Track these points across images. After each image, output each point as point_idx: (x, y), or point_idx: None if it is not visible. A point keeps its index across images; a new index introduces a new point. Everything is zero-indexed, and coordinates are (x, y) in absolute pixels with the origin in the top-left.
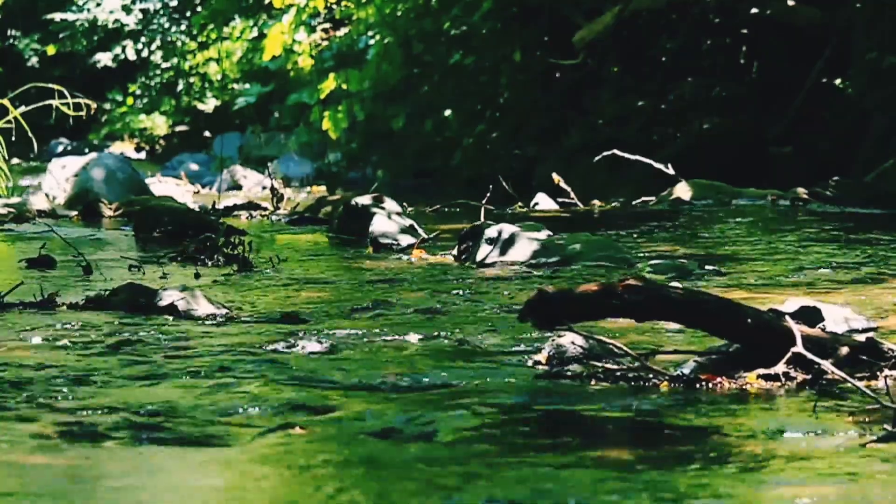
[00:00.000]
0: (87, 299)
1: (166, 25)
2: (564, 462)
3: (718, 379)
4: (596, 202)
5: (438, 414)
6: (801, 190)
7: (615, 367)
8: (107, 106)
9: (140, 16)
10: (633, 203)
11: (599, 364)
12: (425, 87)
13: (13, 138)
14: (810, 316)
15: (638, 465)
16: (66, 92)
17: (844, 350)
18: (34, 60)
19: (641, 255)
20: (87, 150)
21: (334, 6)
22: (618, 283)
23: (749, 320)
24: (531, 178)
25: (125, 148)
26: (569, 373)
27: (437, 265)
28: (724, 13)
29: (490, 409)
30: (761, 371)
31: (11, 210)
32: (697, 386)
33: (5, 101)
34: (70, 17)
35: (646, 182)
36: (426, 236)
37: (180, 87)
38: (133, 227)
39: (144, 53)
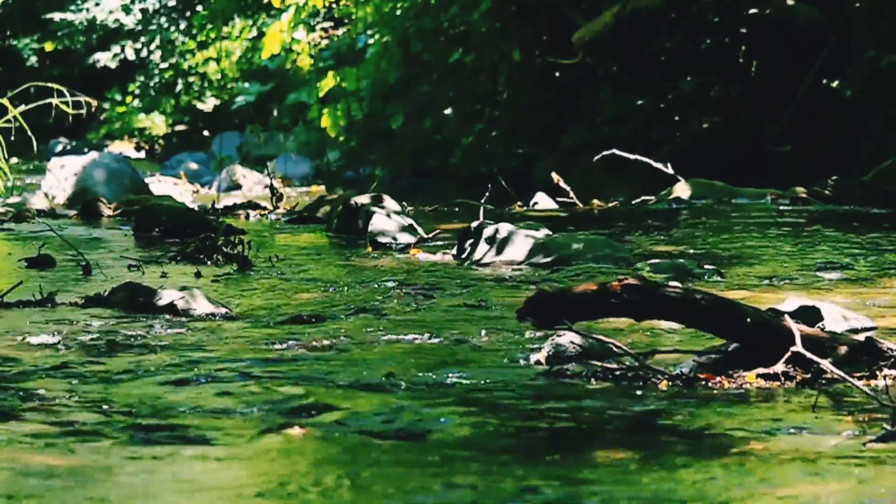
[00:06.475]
0: (86, 298)
1: (165, 25)
2: (564, 461)
3: (718, 378)
4: (595, 201)
5: (438, 414)
6: (800, 189)
7: (614, 366)
8: (106, 105)
9: (139, 16)
10: (633, 202)
11: (599, 363)
12: (424, 86)
13: (12, 138)
14: (809, 315)
15: (637, 465)
16: (65, 91)
17: (843, 349)
18: (33, 60)
19: (641, 254)
20: (86, 150)
21: (333, 5)
22: (617, 282)
23: (748, 319)
24: (530, 177)
25: (124, 147)
26: (568, 372)
27: (436, 264)
28: (723, 12)
29: (490, 408)
30: (760, 370)
31: (11, 209)
32: (697, 385)
33: (4, 101)
34: (69, 16)
35: (645, 181)
36: (425, 235)
37: (179, 86)
38: (132, 226)
39: (143, 53)
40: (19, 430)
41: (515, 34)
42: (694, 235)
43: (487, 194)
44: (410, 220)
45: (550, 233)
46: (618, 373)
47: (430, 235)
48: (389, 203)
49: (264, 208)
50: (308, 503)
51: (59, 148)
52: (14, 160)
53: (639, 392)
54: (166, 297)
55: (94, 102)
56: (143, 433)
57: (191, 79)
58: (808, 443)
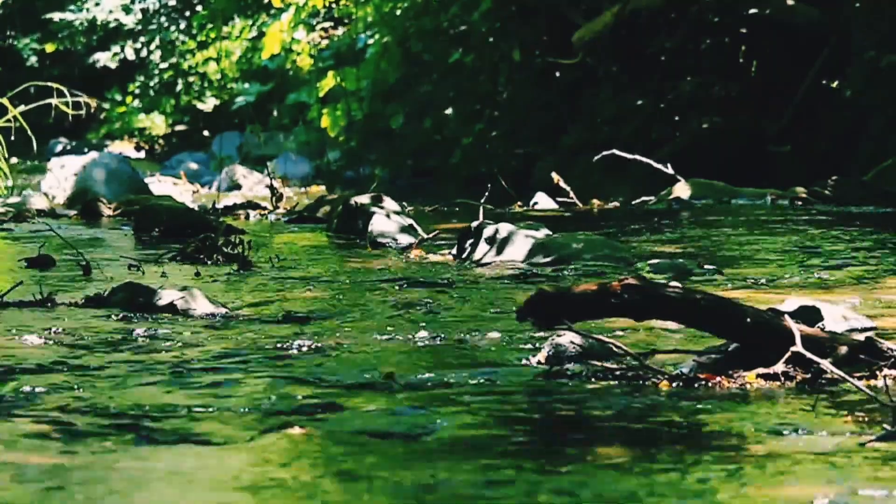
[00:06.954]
0: (86, 298)
1: (165, 25)
2: (564, 462)
3: (718, 378)
4: (595, 201)
5: (438, 414)
6: (800, 189)
7: (614, 366)
8: (106, 105)
9: (139, 16)
10: (633, 202)
11: (599, 363)
12: (424, 86)
13: (12, 138)
14: (810, 315)
15: (637, 465)
16: (65, 91)
17: (843, 349)
18: (33, 60)
19: (640, 254)
20: (86, 150)
21: (333, 5)
22: (617, 282)
23: (748, 319)
24: (530, 177)
25: (124, 147)
26: (568, 372)
27: (436, 264)
28: (723, 12)
29: (490, 409)
30: (761, 370)
31: (11, 209)
32: (697, 385)
33: (4, 101)
34: (69, 16)
35: (645, 181)
36: (425, 236)
37: (179, 86)
38: (132, 226)
39: (143, 53)
40: (19, 430)
41: (515, 34)
42: (694, 235)
43: (487, 194)
44: (410, 221)
45: (550, 233)
46: (618, 373)
47: (430, 235)
48: (389, 203)
49: (264, 208)
50: (308, 503)
51: (59, 148)
52: (14, 160)
53: (639, 392)
54: (166, 297)
55: (94, 102)
56: (142, 433)
57: (191, 79)
58: (808, 443)
